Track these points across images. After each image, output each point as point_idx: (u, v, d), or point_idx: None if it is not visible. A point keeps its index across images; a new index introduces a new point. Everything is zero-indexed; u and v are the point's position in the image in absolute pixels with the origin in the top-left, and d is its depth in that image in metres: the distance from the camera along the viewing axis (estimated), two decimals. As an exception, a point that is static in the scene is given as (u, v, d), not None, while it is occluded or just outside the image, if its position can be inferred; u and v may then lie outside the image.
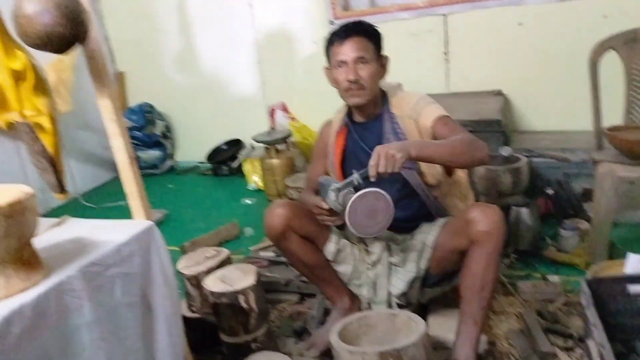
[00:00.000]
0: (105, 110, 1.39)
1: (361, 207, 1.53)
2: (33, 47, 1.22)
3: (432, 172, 1.78)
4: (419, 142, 1.63)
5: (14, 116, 1.44)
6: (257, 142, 3.48)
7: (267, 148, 3.48)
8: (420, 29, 3.32)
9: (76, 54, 3.83)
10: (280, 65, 3.90)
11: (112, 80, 1.32)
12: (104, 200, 3.84)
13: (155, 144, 4.23)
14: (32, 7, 1.17)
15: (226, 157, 4.10)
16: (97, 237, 1.39)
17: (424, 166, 1.77)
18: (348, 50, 1.73)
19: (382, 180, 1.53)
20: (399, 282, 1.83)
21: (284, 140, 3.47)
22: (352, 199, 1.52)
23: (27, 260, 1.19)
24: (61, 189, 1.49)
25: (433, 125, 1.72)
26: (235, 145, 4.16)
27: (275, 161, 3.42)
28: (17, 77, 1.37)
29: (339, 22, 3.67)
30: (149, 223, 1.46)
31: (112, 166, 4.33)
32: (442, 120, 1.72)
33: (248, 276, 1.97)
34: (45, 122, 1.38)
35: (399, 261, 1.82)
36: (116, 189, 4.11)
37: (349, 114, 1.91)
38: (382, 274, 1.84)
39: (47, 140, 1.43)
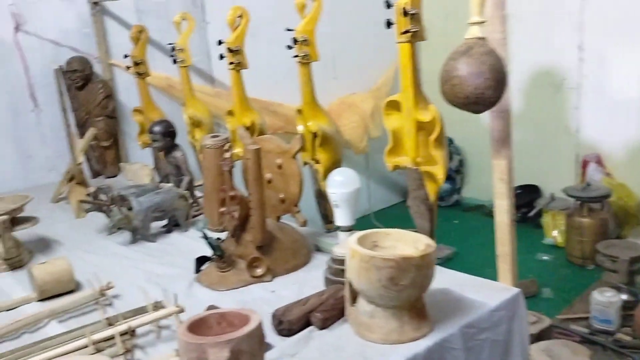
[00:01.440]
0: (498, 170, 1.37)
1: None
2: (456, 106, 1.26)
3: None
4: None
5: (404, 161, 1.53)
6: (570, 195, 3.20)
7: (580, 204, 3.17)
8: None
9: (392, 81, 4.11)
10: (602, 113, 3.52)
11: (510, 145, 1.29)
12: (390, 222, 4.01)
13: (447, 176, 4.25)
14: (467, 68, 1.21)
15: (519, 202, 3.88)
16: (467, 295, 1.38)
17: None
18: None
19: None
20: None
21: (601, 198, 3.12)
22: None
23: (419, 311, 1.23)
24: (431, 236, 1.53)
25: None
26: (531, 191, 3.92)
27: (586, 220, 3.10)
28: (420, 127, 1.45)
29: None
30: (516, 290, 1.41)
31: (401, 190, 4.52)
32: None
33: (580, 358, 1.77)
34: (439, 172, 1.42)
35: None
36: (401, 213, 4.33)
37: None
38: None
39: (431, 189, 1.48)
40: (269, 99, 3.37)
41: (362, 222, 3.92)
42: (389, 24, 1.41)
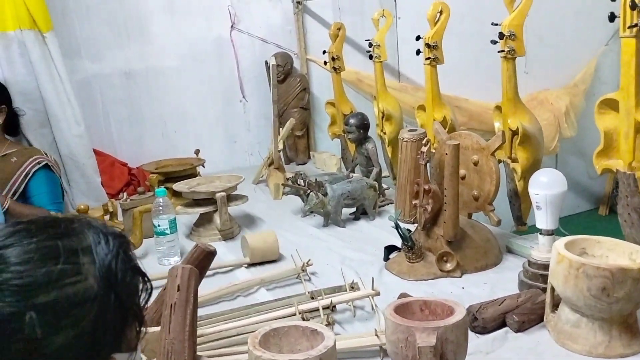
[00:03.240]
0: None
1: None
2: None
3: None
4: None
5: (617, 164, 1.42)
6: None
7: None
8: None
9: (589, 79, 3.78)
10: None
11: None
12: (578, 230, 3.70)
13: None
14: None
15: None
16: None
17: None
18: None
19: None
20: None
21: None
22: None
23: (630, 326, 1.15)
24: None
25: None
26: None
27: None
28: (638, 129, 1.34)
29: None
30: None
31: (593, 197, 4.13)
32: None
33: None
34: (662, 179, 1.30)
35: None
36: (591, 221, 3.97)
37: None
38: None
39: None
40: (452, 94, 3.32)
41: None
42: (612, 17, 1.31)
